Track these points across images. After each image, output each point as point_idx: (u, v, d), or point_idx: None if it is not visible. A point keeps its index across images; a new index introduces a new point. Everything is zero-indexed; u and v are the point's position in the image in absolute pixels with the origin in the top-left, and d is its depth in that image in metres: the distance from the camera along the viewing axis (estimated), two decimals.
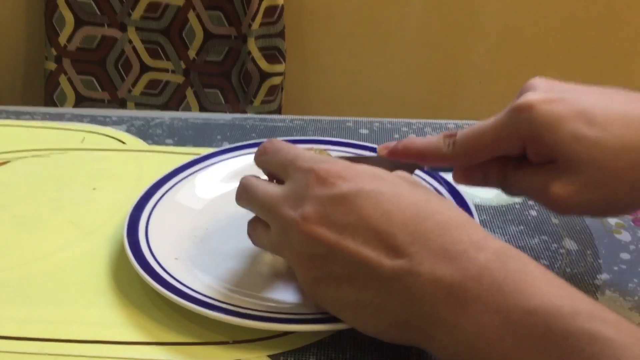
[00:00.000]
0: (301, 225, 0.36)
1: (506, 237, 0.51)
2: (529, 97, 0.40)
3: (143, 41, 1.32)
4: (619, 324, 0.30)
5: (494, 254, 0.34)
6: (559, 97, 0.40)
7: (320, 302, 0.38)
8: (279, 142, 0.42)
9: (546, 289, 0.32)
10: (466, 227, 0.36)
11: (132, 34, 1.32)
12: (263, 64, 1.29)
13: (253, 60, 1.28)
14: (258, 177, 0.42)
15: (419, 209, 0.36)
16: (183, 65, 1.33)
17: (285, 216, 0.38)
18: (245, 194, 0.42)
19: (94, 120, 0.68)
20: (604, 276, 0.47)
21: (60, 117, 0.69)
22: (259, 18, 1.26)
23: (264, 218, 0.41)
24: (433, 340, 0.34)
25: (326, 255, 0.36)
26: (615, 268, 0.47)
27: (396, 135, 0.65)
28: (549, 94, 0.40)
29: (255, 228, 0.43)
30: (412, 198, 0.37)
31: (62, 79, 1.34)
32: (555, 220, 0.53)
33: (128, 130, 0.66)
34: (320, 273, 0.37)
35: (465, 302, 0.33)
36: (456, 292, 0.33)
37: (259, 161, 0.43)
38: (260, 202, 0.40)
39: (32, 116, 0.69)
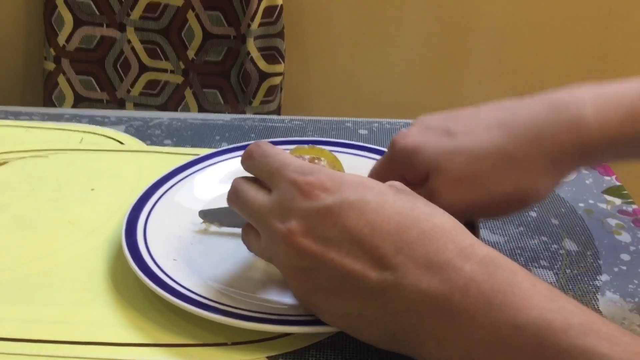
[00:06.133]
0: (287, 239, 0.36)
1: (506, 238, 0.51)
2: (396, 136, 0.46)
3: (142, 41, 1.32)
4: (613, 337, 0.29)
5: (481, 264, 0.33)
6: (424, 127, 0.45)
7: (313, 312, 0.39)
8: (266, 145, 0.41)
9: (536, 302, 0.31)
10: (452, 234, 0.35)
11: (131, 34, 1.32)
12: (262, 64, 1.29)
13: (252, 60, 1.28)
14: (249, 180, 0.42)
15: (403, 218, 0.35)
16: (182, 66, 1.33)
17: (273, 228, 0.37)
18: (235, 198, 0.41)
19: (92, 120, 0.68)
20: (604, 277, 0.46)
21: (58, 118, 0.69)
22: (258, 18, 1.26)
23: (254, 225, 0.40)
24: (423, 353, 0.34)
25: (313, 268, 0.36)
26: (616, 269, 0.47)
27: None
28: (414, 127, 0.46)
29: (248, 235, 0.42)
30: (397, 206, 0.36)
31: (61, 79, 1.34)
32: (555, 221, 0.53)
33: (127, 131, 0.66)
34: (309, 285, 0.37)
35: (452, 316, 0.32)
36: (442, 305, 0.33)
37: (246, 165, 0.42)
38: (249, 210, 0.40)
39: (30, 116, 0.69)
